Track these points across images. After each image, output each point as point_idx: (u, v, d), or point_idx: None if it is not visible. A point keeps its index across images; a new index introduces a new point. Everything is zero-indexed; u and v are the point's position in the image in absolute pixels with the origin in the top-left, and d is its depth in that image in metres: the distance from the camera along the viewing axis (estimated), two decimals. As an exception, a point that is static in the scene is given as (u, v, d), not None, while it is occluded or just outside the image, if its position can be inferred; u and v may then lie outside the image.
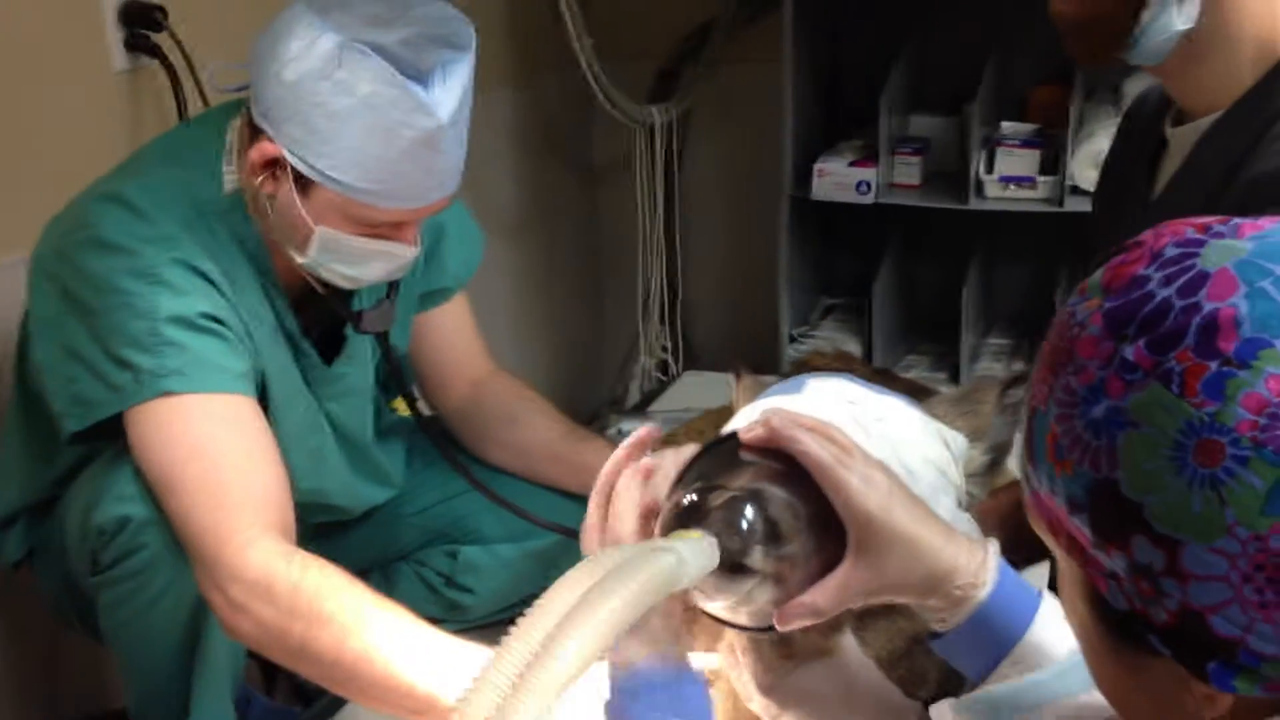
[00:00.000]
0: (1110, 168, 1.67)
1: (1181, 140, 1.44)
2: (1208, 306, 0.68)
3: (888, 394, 1.34)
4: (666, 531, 1.04)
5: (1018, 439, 1.54)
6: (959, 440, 1.35)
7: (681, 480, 1.13)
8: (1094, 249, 1.64)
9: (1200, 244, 0.71)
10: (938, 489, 1.27)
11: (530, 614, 0.88)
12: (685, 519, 1.04)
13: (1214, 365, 0.67)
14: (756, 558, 1.04)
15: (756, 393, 1.46)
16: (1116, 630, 0.74)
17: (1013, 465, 1.67)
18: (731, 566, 1.03)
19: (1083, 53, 1.43)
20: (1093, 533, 0.71)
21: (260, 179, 1.58)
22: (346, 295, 1.74)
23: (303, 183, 1.56)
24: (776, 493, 1.08)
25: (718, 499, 1.05)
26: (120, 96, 2.14)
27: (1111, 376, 0.70)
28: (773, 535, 1.06)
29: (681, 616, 1.23)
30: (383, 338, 1.79)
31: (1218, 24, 1.34)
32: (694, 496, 1.06)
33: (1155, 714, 0.76)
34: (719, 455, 1.14)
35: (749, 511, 1.05)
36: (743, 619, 1.09)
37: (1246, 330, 0.67)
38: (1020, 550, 1.59)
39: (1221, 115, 1.38)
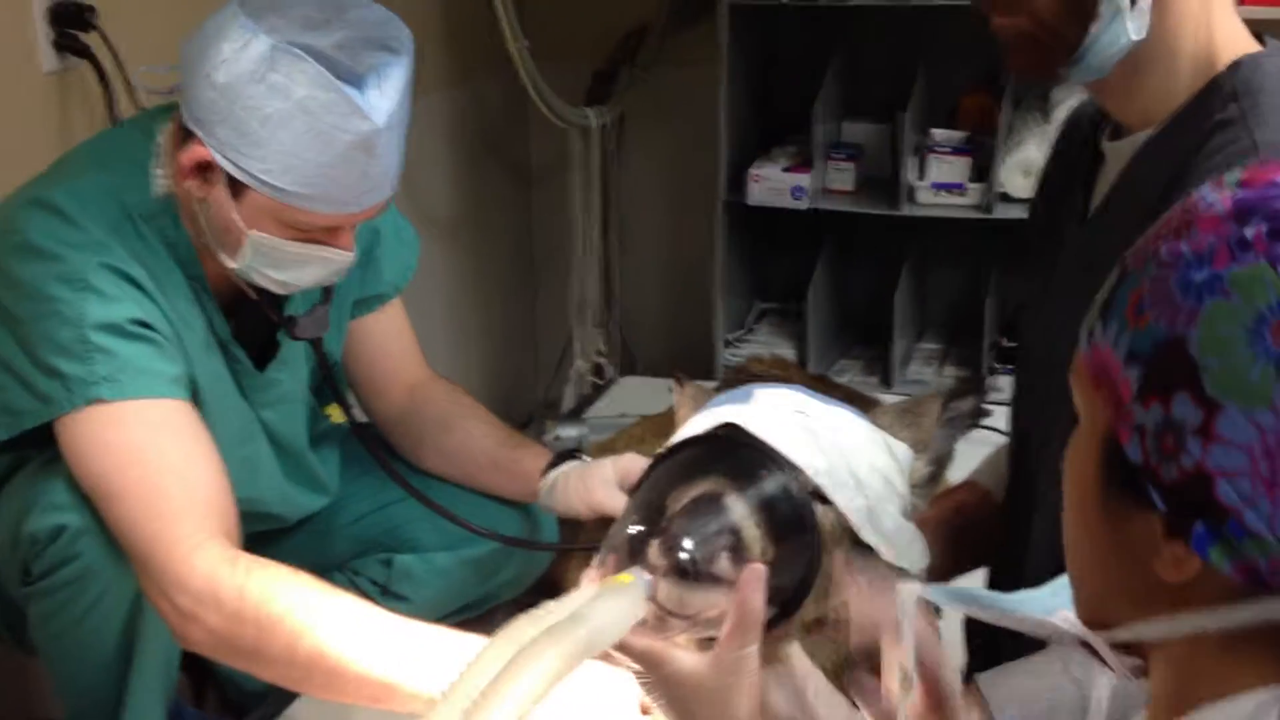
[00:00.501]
0: (1047, 181, 1.68)
1: (1118, 155, 1.44)
2: None
3: (835, 404, 1.35)
4: (606, 559, 1.07)
5: (958, 449, 1.57)
6: (904, 450, 1.36)
7: (632, 498, 1.14)
8: (1028, 260, 1.66)
9: None
10: (884, 498, 1.29)
11: (438, 703, 0.93)
12: (625, 553, 1.06)
13: None
14: (697, 584, 1.06)
15: (699, 401, 1.46)
16: (1117, 482, 0.79)
17: (952, 477, 1.69)
18: (676, 592, 1.05)
19: (1026, 67, 1.39)
20: (1141, 384, 0.76)
21: (191, 183, 1.56)
22: (280, 300, 1.73)
23: (235, 187, 1.54)
24: (723, 513, 1.09)
25: (656, 532, 1.06)
26: (49, 98, 2.10)
27: (1222, 248, 0.75)
28: (716, 559, 1.08)
29: None
30: (317, 344, 1.78)
31: (1158, 37, 1.34)
32: (631, 531, 1.07)
33: (1122, 576, 0.81)
34: (666, 473, 1.15)
35: (690, 542, 1.06)
36: (695, 633, 1.10)
37: None
38: (959, 555, 1.61)
39: (1158, 130, 1.38)
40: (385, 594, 1.97)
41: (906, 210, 3.10)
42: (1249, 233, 0.74)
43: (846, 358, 3.45)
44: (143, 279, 1.58)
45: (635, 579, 1.03)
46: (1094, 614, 0.86)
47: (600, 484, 1.74)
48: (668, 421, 1.95)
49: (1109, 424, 0.79)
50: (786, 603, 1.15)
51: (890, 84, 3.18)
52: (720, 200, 3.20)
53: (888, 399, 1.62)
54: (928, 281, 3.45)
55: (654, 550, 1.05)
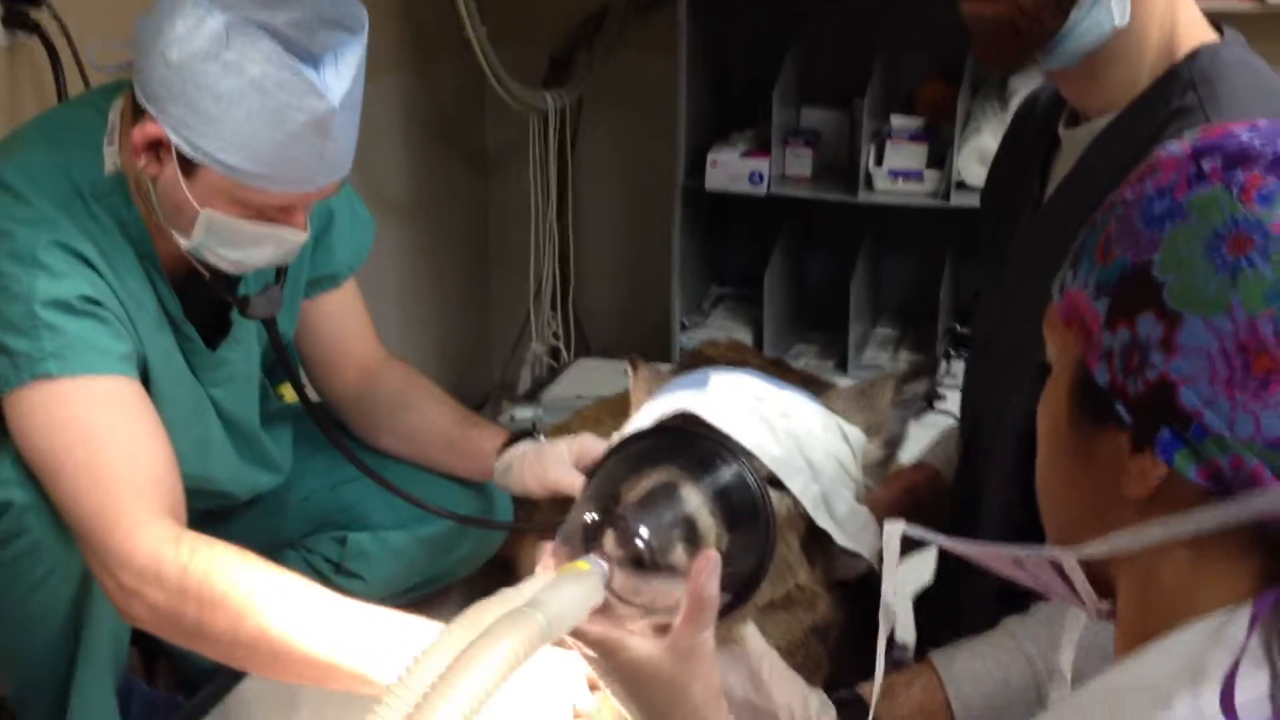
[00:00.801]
0: (999, 167, 1.69)
1: (1074, 142, 1.45)
2: None
3: (789, 388, 1.36)
4: (563, 545, 1.09)
5: (910, 431, 1.58)
6: (857, 435, 1.37)
7: (588, 486, 1.14)
8: (983, 246, 1.68)
9: None
10: (837, 482, 1.30)
11: (395, 687, 0.94)
12: (580, 540, 1.08)
13: (1272, 182, 0.79)
14: (653, 571, 1.07)
15: (654, 384, 1.47)
16: (1087, 407, 0.85)
17: (904, 458, 1.71)
18: (632, 579, 1.07)
19: (999, 55, 1.39)
20: (1109, 312, 0.82)
21: (143, 161, 1.55)
22: (232, 280, 1.72)
23: (187, 165, 1.53)
24: (677, 500, 1.11)
25: (612, 521, 1.08)
26: (-1, 72, 2.08)
27: (1182, 182, 0.82)
28: (671, 546, 1.09)
29: None
30: (270, 323, 1.77)
31: (1129, 25, 1.35)
32: (587, 519, 1.09)
33: (1092, 497, 0.86)
34: (622, 462, 1.16)
35: (645, 529, 1.08)
36: (650, 620, 1.11)
37: None
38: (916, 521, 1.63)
39: (1115, 117, 1.39)
40: (339, 571, 1.97)
41: (864, 197, 3.11)
42: (1206, 165, 0.82)
43: (803, 342, 3.47)
44: (93, 256, 1.57)
45: (592, 566, 1.04)
46: (1066, 540, 0.89)
47: (555, 463, 1.74)
48: (623, 403, 1.96)
49: (1079, 356, 0.85)
50: (741, 589, 1.17)
51: (848, 70, 3.19)
52: (678, 185, 3.20)
53: (844, 383, 1.63)
54: (884, 267, 3.47)
55: (610, 538, 1.06)
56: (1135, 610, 0.87)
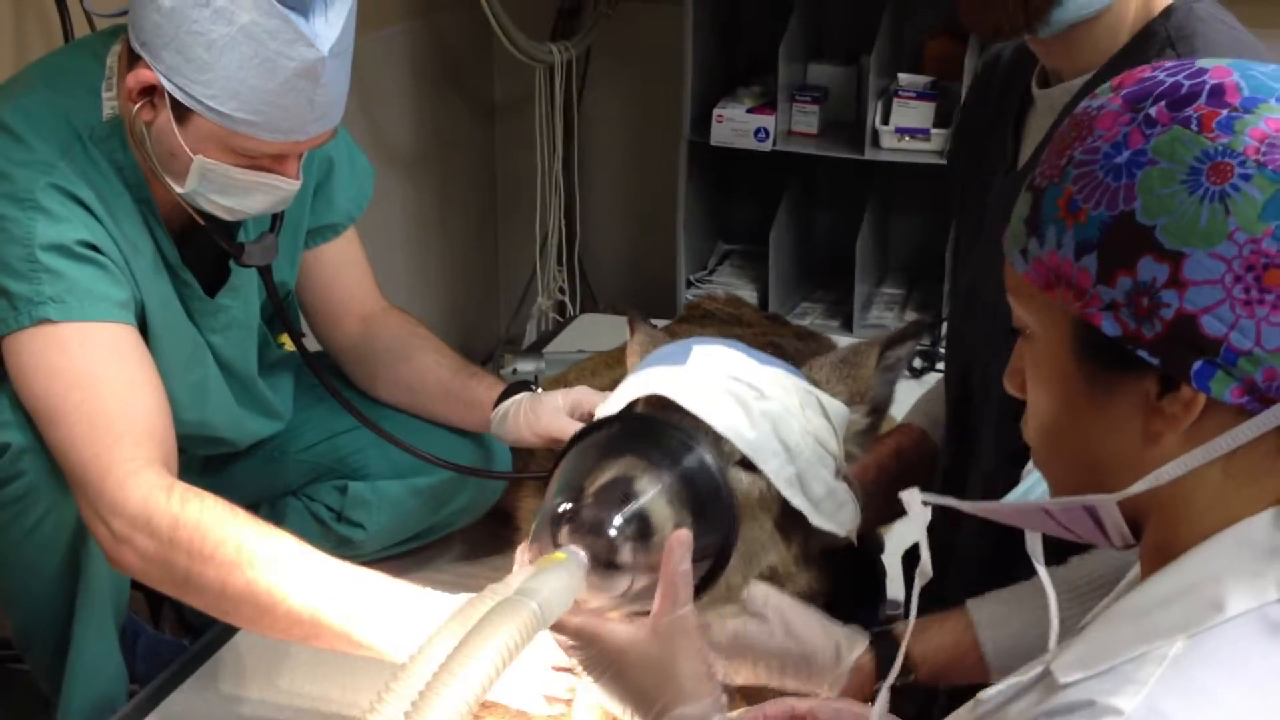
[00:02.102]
0: (966, 128, 1.69)
1: (1050, 102, 1.45)
2: (1212, 80, 0.85)
3: (770, 363, 1.36)
4: (537, 539, 1.11)
5: (902, 392, 1.59)
6: (838, 408, 1.37)
7: (557, 474, 1.16)
8: (957, 206, 1.67)
9: (1193, 62, 0.88)
10: (815, 462, 1.30)
11: (398, 676, 0.97)
12: (554, 532, 1.11)
13: (1224, 112, 0.83)
14: (625, 557, 1.10)
15: (649, 346, 1.47)
16: (1098, 362, 0.87)
17: (895, 416, 1.71)
18: (606, 568, 1.10)
19: (997, 24, 1.37)
20: (1100, 266, 0.84)
21: (137, 106, 1.56)
22: (229, 227, 1.73)
23: (180, 111, 1.54)
24: (644, 486, 1.13)
25: (583, 507, 1.11)
26: (5, 18, 2.08)
27: (1134, 131, 0.84)
28: (641, 532, 1.11)
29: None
30: (266, 272, 1.78)
31: None
32: (561, 508, 1.11)
33: (1117, 449, 0.88)
34: (590, 448, 1.18)
35: (615, 517, 1.11)
36: (628, 607, 1.12)
37: (1246, 91, 0.84)
38: (896, 496, 1.64)
39: (1092, 76, 1.39)
40: (340, 520, 1.98)
41: (870, 154, 3.10)
42: (1151, 111, 0.85)
43: (808, 301, 3.47)
44: (91, 201, 1.58)
45: (569, 555, 1.07)
46: (1091, 488, 0.91)
47: (551, 412, 1.76)
48: (621, 356, 1.97)
49: (1076, 315, 0.87)
50: (710, 569, 1.20)
51: (856, 27, 3.18)
52: (684, 140, 3.20)
53: (847, 342, 1.63)
54: (890, 225, 3.46)
55: (582, 530, 1.09)
56: (1167, 534, 0.90)
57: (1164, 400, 0.85)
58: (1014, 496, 1.29)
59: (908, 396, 1.84)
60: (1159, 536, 0.91)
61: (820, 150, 3.18)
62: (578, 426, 1.74)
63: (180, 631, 2.03)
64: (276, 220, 1.76)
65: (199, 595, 1.48)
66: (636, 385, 1.31)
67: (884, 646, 1.32)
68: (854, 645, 1.31)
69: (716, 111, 3.16)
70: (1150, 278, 0.83)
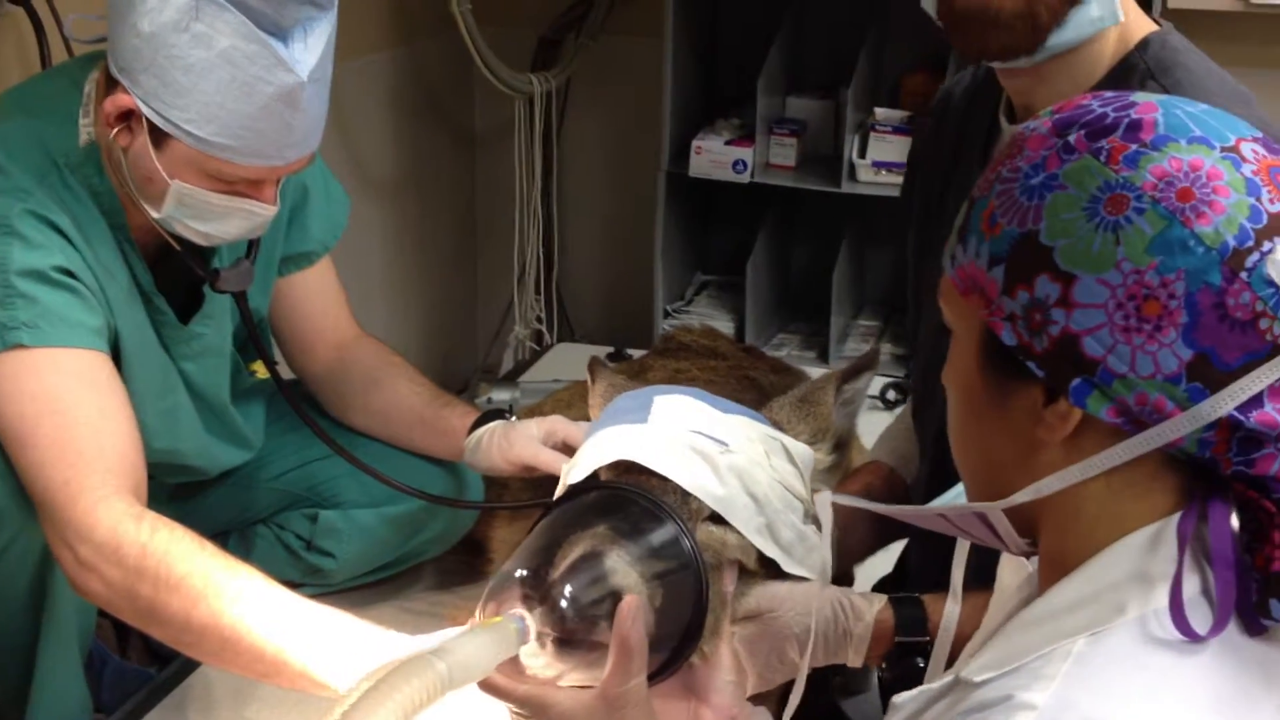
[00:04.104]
0: (922, 164, 1.69)
1: None
2: (1135, 115, 0.89)
3: (734, 410, 1.35)
4: (487, 603, 1.11)
5: (876, 422, 1.60)
6: (803, 451, 1.37)
7: (523, 545, 1.16)
8: (914, 240, 1.68)
9: (1129, 95, 0.93)
10: (783, 509, 1.30)
11: None
12: (502, 597, 1.10)
13: (1134, 146, 0.87)
14: (576, 625, 1.09)
15: (610, 395, 1.47)
16: (997, 368, 0.91)
17: (860, 455, 1.72)
18: (557, 636, 1.09)
19: (1006, 43, 1.36)
20: (1005, 278, 0.89)
21: (115, 131, 1.56)
22: (204, 253, 1.72)
23: (158, 136, 1.54)
24: (601, 556, 1.12)
25: (535, 574, 1.10)
26: (-19, 42, 2.08)
27: (1052, 156, 0.89)
28: (595, 600, 1.10)
29: None
30: (241, 299, 1.77)
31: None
32: (515, 574, 1.10)
33: (1011, 452, 0.93)
34: (554, 519, 1.18)
35: (567, 585, 1.10)
36: (580, 678, 1.12)
37: (1160, 129, 0.87)
38: (878, 534, 1.65)
39: None
40: (310, 549, 1.98)
41: (847, 187, 3.12)
42: (1071, 139, 0.89)
43: (785, 332, 3.48)
44: (67, 227, 1.58)
45: (508, 620, 1.06)
46: (990, 491, 0.96)
47: (524, 440, 1.76)
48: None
49: (983, 322, 0.91)
50: (676, 648, 1.19)
51: (833, 60, 3.20)
52: (662, 171, 3.20)
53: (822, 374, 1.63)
54: (866, 258, 3.48)
55: (531, 595, 1.08)
56: (1059, 543, 0.94)
57: (1047, 410, 0.89)
58: (944, 500, 1.31)
59: (881, 429, 1.85)
60: (1052, 547, 0.95)
61: (798, 183, 3.19)
62: (551, 454, 1.74)
63: (148, 660, 2.01)
64: (252, 247, 1.76)
65: (162, 626, 1.47)
66: (601, 448, 1.30)
67: (903, 604, 1.34)
68: (871, 601, 1.34)
69: (695, 143, 3.17)
70: (1044, 295, 0.87)
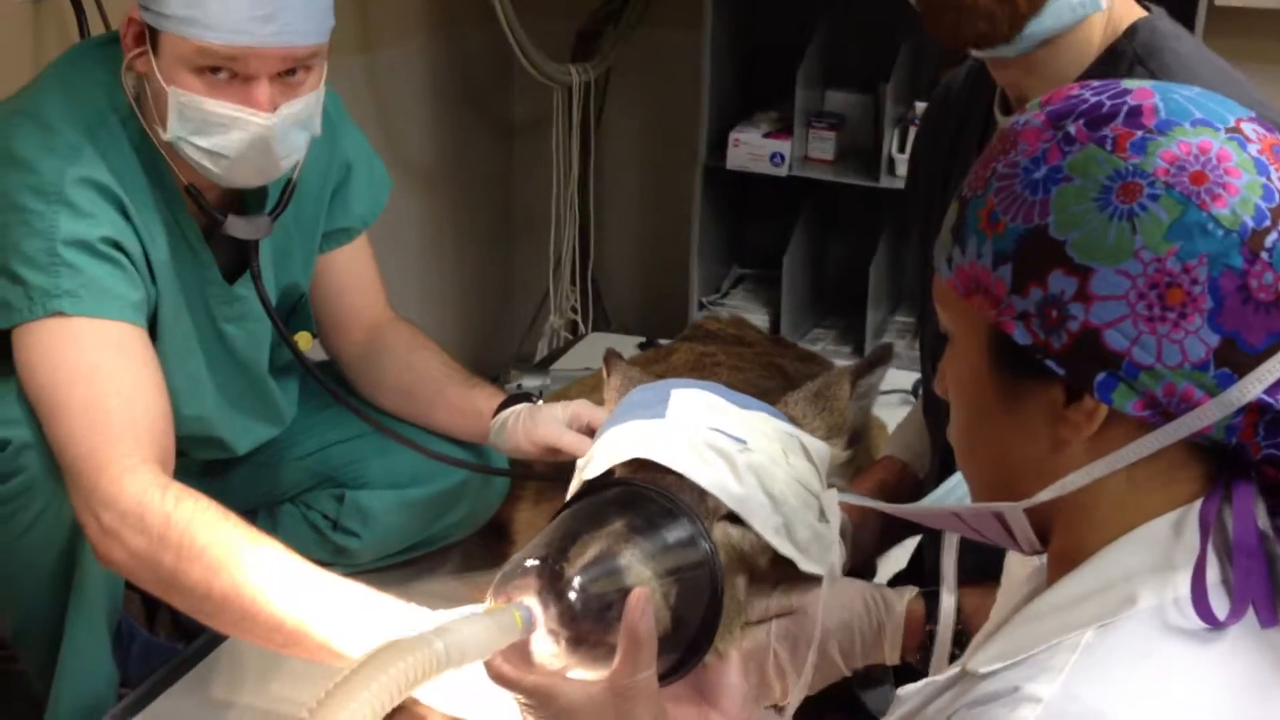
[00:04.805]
0: (922, 159, 1.69)
1: None
2: (1132, 101, 0.87)
3: (752, 406, 1.35)
4: (497, 592, 1.10)
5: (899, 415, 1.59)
6: (820, 448, 1.36)
7: (537, 538, 1.16)
8: (918, 235, 1.67)
9: (1119, 82, 0.91)
10: (799, 508, 1.29)
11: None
12: (513, 585, 1.10)
13: (1139, 133, 0.85)
14: (586, 617, 1.09)
15: (626, 388, 1.47)
16: (1011, 369, 0.89)
17: (884, 447, 1.71)
18: (566, 628, 1.08)
19: (982, 32, 1.36)
20: (1014, 277, 0.87)
21: (134, 54, 1.58)
22: (246, 205, 1.73)
23: (154, 40, 1.57)
24: (614, 549, 1.12)
25: (546, 563, 1.10)
26: (25, 27, 2.11)
27: (1053, 148, 0.87)
28: (604, 592, 1.10)
29: None
30: (253, 254, 1.75)
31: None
32: (526, 563, 1.10)
33: (1028, 454, 0.91)
34: (569, 514, 1.18)
35: (577, 576, 1.09)
36: (588, 671, 1.12)
37: (1163, 114, 0.86)
38: (890, 532, 1.64)
39: None
40: (336, 528, 1.99)
41: (885, 182, 3.11)
42: (1071, 129, 0.87)
43: (820, 327, 3.47)
44: (116, 189, 1.60)
45: (512, 607, 1.06)
46: (1003, 493, 0.94)
47: (548, 422, 1.76)
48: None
49: (991, 323, 0.88)
50: (695, 640, 1.18)
51: (874, 55, 3.18)
52: (700, 163, 3.21)
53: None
54: (904, 253, 3.46)
55: (541, 584, 1.08)
56: (1073, 539, 0.92)
57: (1069, 409, 0.87)
58: (934, 497, 1.31)
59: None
60: (1063, 543, 0.93)
61: (836, 177, 3.19)
62: (575, 437, 1.75)
63: (175, 636, 2.03)
64: (278, 207, 1.76)
65: (183, 595, 1.49)
66: (617, 445, 1.29)
67: (931, 597, 1.34)
68: (902, 593, 1.34)
69: (733, 135, 3.17)
70: (1059, 290, 0.85)
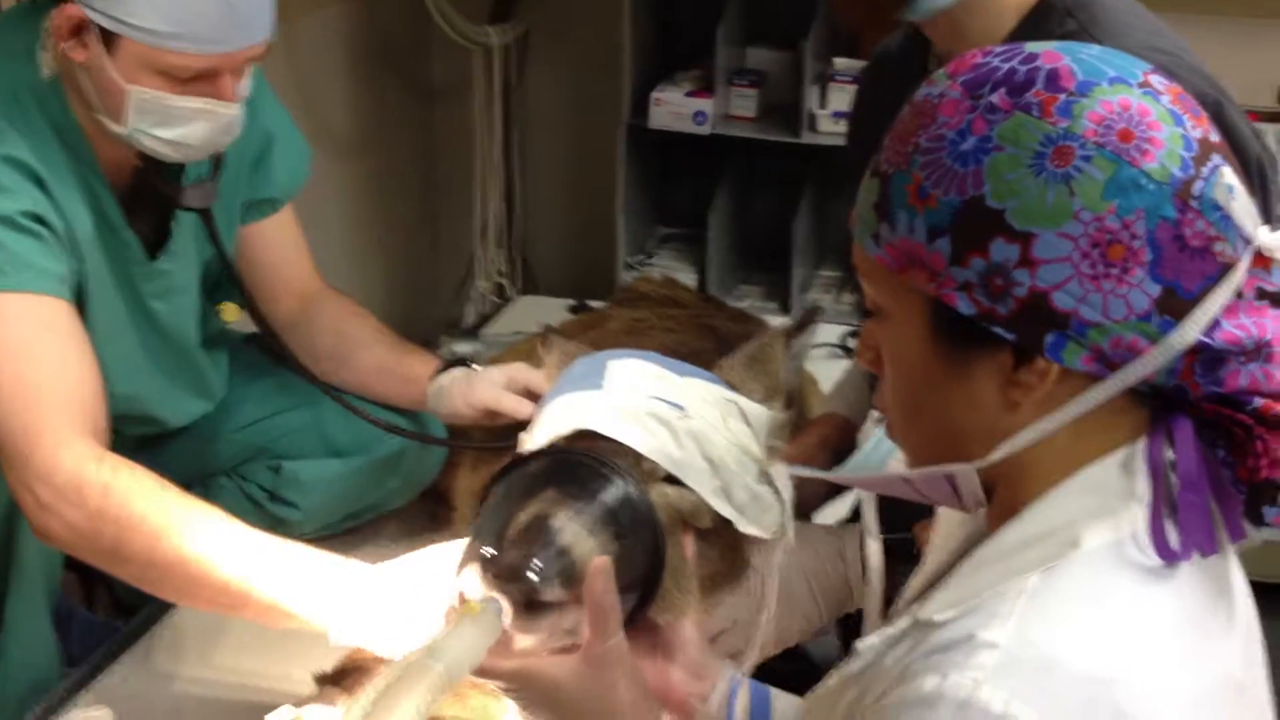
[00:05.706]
0: (862, 120, 1.71)
1: None
2: (1046, 66, 0.88)
3: (690, 372, 1.36)
4: (460, 589, 1.11)
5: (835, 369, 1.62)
6: (758, 411, 1.38)
7: (481, 517, 1.16)
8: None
9: (1021, 46, 0.92)
10: (738, 471, 1.31)
11: None
12: (471, 579, 1.11)
13: (1062, 96, 0.86)
14: (548, 597, 1.10)
15: (565, 362, 1.48)
16: (956, 336, 0.90)
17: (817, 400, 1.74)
18: (531, 610, 1.10)
19: (862, 14, 1.41)
20: (953, 249, 0.88)
21: (69, 47, 1.54)
22: (172, 175, 1.71)
23: (109, 40, 1.53)
24: (560, 523, 1.13)
25: (500, 552, 1.11)
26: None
27: (977, 119, 0.88)
28: (561, 569, 1.11)
29: None
30: (209, 222, 1.75)
31: None
32: (483, 554, 1.11)
33: (975, 420, 0.93)
34: (508, 488, 1.18)
35: (532, 558, 1.10)
36: (559, 644, 1.13)
37: (1079, 75, 0.87)
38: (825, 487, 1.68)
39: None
40: (273, 499, 1.98)
41: (807, 138, 3.13)
42: (994, 99, 0.88)
43: (747, 283, 3.49)
44: (37, 167, 1.57)
45: (486, 606, 1.08)
46: (951, 457, 0.96)
47: (486, 385, 1.77)
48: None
49: (930, 295, 0.90)
50: (643, 594, 1.19)
51: (794, 11, 3.19)
52: (622, 123, 3.20)
53: (782, 324, 1.64)
54: (828, 209, 3.49)
55: (500, 575, 1.09)
56: (1016, 492, 0.94)
57: (1019, 372, 0.89)
58: (859, 459, 1.33)
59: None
60: (1009, 495, 0.95)
61: (758, 134, 3.20)
62: (514, 399, 1.75)
63: (115, 613, 2.02)
64: (216, 166, 1.74)
65: (126, 565, 1.48)
66: (556, 418, 1.30)
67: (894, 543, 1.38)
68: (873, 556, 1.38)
69: (654, 95, 3.17)
70: (1003, 258, 0.86)
